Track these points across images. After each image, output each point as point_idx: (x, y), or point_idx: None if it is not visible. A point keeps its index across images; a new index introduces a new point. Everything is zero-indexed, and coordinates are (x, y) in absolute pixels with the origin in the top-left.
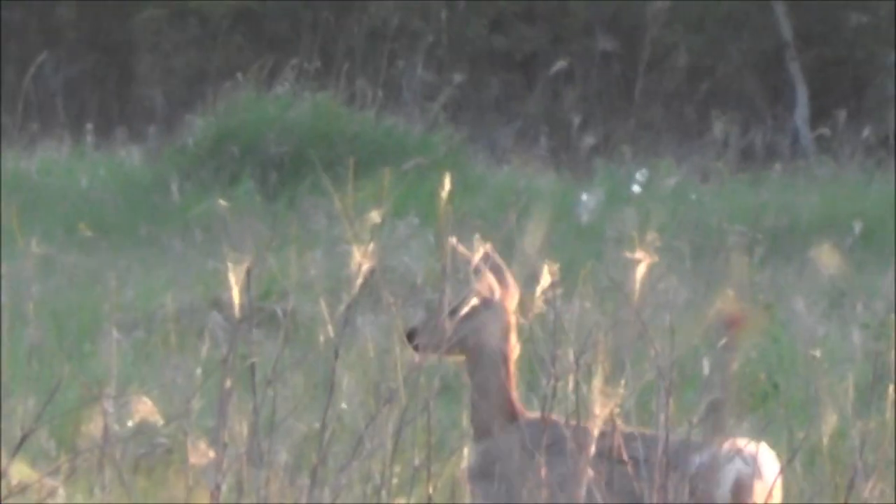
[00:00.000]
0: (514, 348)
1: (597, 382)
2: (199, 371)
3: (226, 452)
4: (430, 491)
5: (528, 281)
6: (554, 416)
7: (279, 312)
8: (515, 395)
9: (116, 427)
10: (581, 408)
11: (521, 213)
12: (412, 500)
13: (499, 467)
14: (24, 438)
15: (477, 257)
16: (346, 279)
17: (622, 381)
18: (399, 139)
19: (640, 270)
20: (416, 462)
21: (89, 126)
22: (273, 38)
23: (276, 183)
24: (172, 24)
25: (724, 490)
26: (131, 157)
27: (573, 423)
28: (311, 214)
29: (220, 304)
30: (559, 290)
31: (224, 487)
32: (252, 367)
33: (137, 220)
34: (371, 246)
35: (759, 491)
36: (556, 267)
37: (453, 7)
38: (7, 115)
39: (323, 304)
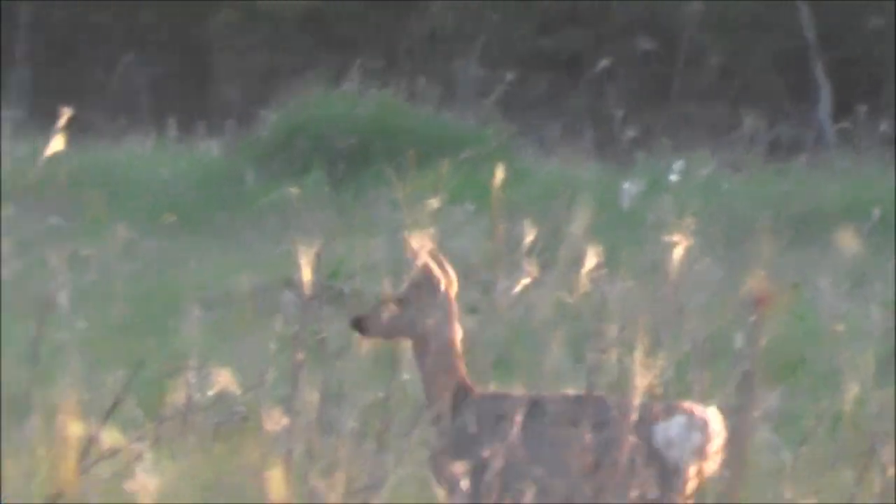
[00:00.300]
0: (458, 332)
1: (638, 355)
2: (272, 345)
3: (297, 420)
4: (485, 455)
5: (574, 262)
6: (501, 391)
7: (346, 291)
8: (465, 373)
9: (198, 397)
10: (623, 379)
11: (567, 200)
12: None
13: (464, 444)
14: (112, 407)
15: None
16: (407, 262)
17: (661, 354)
18: (455, 132)
19: (677, 252)
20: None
21: (171, 121)
22: (340, 39)
23: (343, 173)
24: (246, 27)
25: (684, 455)
26: (210, 149)
27: (526, 395)
28: (374, 202)
29: (292, 284)
30: (603, 271)
31: (296, 452)
32: (322, 341)
33: (215, 207)
34: (430, 231)
35: (709, 452)
36: (600, 249)
37: (504, 11)
38: (96, 111)
39: (386, 283)
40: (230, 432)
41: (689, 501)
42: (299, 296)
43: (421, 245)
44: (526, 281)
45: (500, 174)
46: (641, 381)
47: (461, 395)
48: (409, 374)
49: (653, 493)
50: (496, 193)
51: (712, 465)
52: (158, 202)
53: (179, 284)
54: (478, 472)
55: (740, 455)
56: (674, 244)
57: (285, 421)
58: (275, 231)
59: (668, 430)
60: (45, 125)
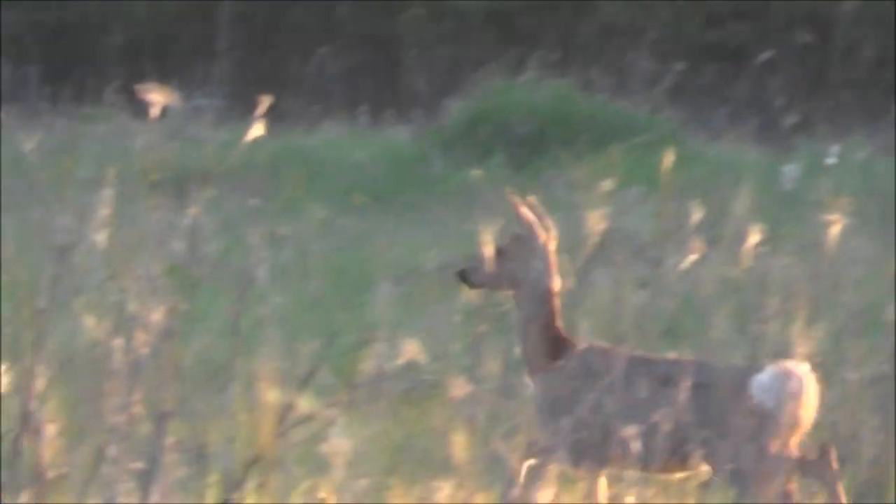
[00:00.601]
0: (557, 283)
1: (797, 326)
2: (457, 317)
3: (480, 386)
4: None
5: (738, 239)
6: (603, 345)
7: None
8: (562, 325)
9: (387, 365)
10: (783, 348)
11: (731, 182)
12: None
13: (563, 397)
14: (308, 376)
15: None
16: (582, 239)
17: (818, 325)
18: (627, 119)
19: (834, 230)
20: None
21: (363, 109)
22: (520, 33)
23: (523, 157)
24: (433, 22)
25: (778, 406)
26: (399, 135)
27: (622, 350)
28: (552, 184)
29: (476, 260)
30: (765, 248)
31: (479, 417)
32: (502, 314)
33: (404, 189)
34: (603, 211)
35: (803, 404)
36: (761, 227)
37: (673, 6)
38: (293, 99)
39: (563, 260)
40: (418, 398)
41: (788, 450)
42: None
43: (520, 201)
44: (693, 257)
45: (668, 158)
46: (800, 350)
47: (561, 347)
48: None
49: (751, 440)
50: (665, 176)
51: (808, 414)
52: (351, 184)
53: (371, 261)
54: (580, 426)
55: (893, 419)
56: (831, 222)
57: (469, 387)
58: (459, 211)
59: (763, 379)
60: (246, 113)
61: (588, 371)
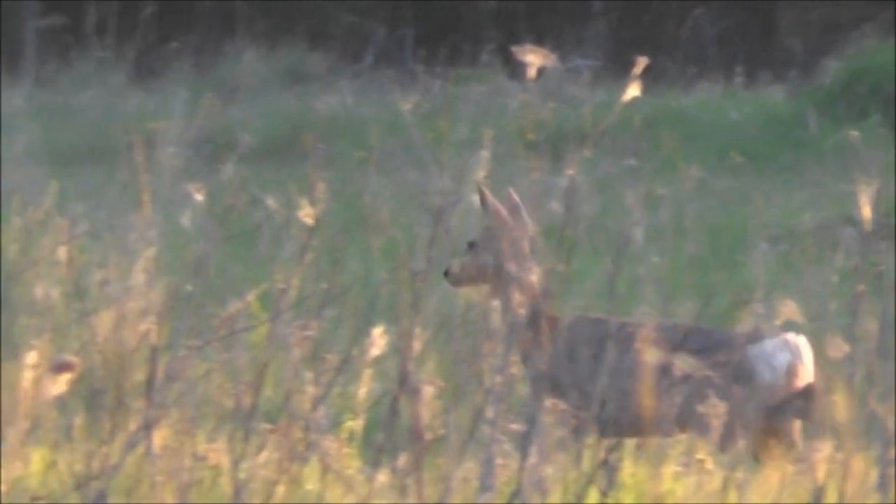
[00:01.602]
0: (531, 271)
1: None
2: (834, 278)
3: (858, 347)
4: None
5: None
6: (591, 315)
7: None
8: (551, 310)
9: (765, 326)
10: None
11: None
12: None
13: (561, 372)
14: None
15: (488, 197)
16: None
17: None
18: None
19: None
20: None
21: (738, 69)
22: None
23: None
24: None
25: (776, 374)
26: (775, 95)
27: (616, 319)
28: None
29: (852, 221)
30: None
31: (857, 377)
32: (880, 274)
33: (780, 149)
34: None
35: (801, 373)
36: None
37: None
38: (669, 60)
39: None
40: None
41: (783, 420)
42: (860, 231)
43: (485, 189)
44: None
45: None
46: None
47: (544, 325)
48: None
49: (746, 410)
50: None
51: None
52: (727, 144)
53: (746, 221)
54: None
55: None
56: None
57: (846, 348)
58: (836, 171)
59: (761, 350)
60: (622, 73)
61: (578, 341)
